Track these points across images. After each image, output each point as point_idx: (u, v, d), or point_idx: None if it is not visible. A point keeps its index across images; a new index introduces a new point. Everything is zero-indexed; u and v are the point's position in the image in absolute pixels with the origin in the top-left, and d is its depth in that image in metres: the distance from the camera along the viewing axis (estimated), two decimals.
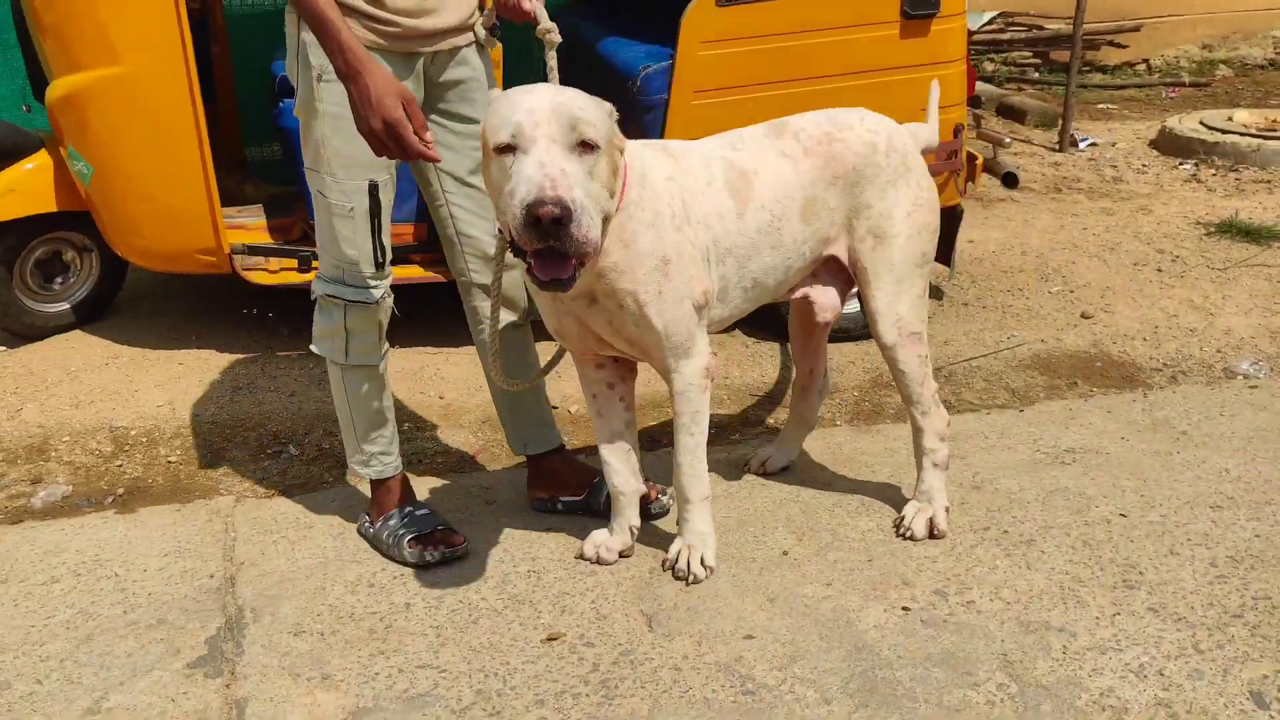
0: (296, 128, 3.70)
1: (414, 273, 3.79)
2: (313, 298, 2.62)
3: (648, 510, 2.85)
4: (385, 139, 2.25)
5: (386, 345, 2.67)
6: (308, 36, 2.37)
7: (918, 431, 2.82)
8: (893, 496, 2.97)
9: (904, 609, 2.49)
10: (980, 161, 4.13)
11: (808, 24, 3.66)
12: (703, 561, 2.60)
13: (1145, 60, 9.03)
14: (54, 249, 3.96)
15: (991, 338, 4.06)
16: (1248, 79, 8.75)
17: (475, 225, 2.67)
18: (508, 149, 2.08)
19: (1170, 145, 6.43)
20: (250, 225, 3.97)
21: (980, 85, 7.94)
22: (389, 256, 2.58)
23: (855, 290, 2.77)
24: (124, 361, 3.84)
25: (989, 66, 8.71)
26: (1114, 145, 6.62)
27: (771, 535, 2.80)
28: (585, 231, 2.04)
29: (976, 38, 8.74)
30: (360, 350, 2.61)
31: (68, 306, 4.02)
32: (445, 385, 3.70)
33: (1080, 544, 2.73)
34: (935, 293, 4.44)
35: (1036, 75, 8.59)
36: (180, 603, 2.56)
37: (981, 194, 5.63)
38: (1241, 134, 6.25)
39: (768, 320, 4.07)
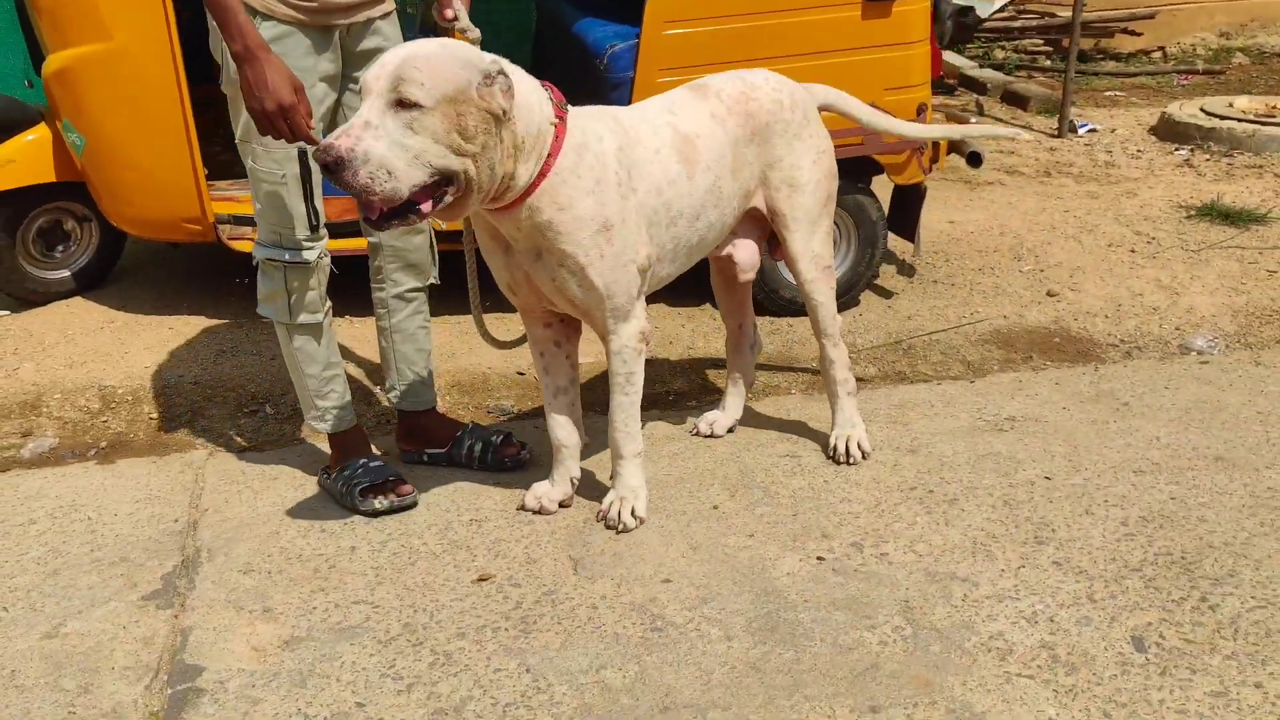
0: None
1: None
2: (254, 262, 2.77)
3: (502, 463, 3.04)
4: (276, 120, 2.41)
5: (328, 303, 2.82)
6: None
7: (829, 363, 3.08)
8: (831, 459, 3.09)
9: (819, 559, 2.61)
10: (945, 143, 4.22)
11: (771, 5, 3.77)
12: (633, 513, 2.74)
13: (1160, 48, 9.02)
14: (55, 219, 4.16)
15: (955, 313, 4.15)
16: (1264, 67, 8.72)
17: None
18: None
19: (1168, 131, 6.46)
20: (239, 197, 4.14)
21: (989, 73, 7.99)
22: (322, 219, 2.73)
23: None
24: (118, 326, 4.03)
25: (999, 54, 8.75)
26: (1113, 131, 6.66)
27: (705, 491, 2.93)
28: (363, 180, 2.20)
29: (987, 25, 8.78)
30: (304, 309, 2.76)
31: (69, 273, 4.23)
32: None
33: (1001, 504, 2.84)
34: (906, 270, 4.54)
35: (1048, 63, 8.60)
36: (144, 544, 2.73)
37: (970, 177, 5.70)
38: (1239, 120, 6.27)
39: None
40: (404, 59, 2.24)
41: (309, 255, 2.72)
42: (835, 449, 3.07)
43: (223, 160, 4.39)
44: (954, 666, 2.24)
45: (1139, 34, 8.88)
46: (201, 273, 4.49)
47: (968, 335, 3.98)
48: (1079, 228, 5.00)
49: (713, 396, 3.55)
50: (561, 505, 2.84)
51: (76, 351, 3.84)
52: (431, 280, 3.02)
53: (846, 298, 4.14)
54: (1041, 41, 8.85)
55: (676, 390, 3.62)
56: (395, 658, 2.30)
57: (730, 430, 3.25)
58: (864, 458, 3.05)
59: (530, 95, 2.42)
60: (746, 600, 2.46)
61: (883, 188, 4.22)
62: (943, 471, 3.00)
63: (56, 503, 2.92)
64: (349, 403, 2.93)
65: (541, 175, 2.44)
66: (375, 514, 2.81)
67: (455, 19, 2.72)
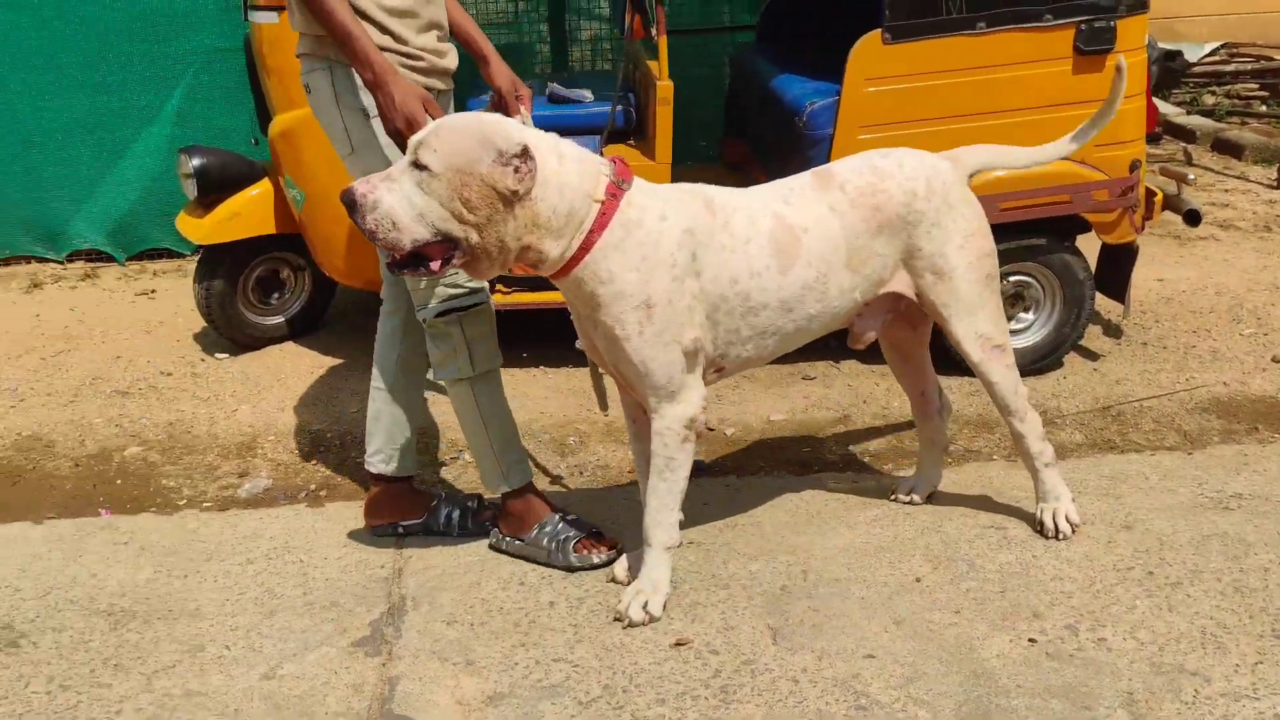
0: None
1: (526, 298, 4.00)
2: (425, 325, 2.80)
3: (483, 528, 3.02)
4: (408, 134, 2.51)
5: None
6: (341, 84, 2.66)
7: (1019, 438, 2.94)
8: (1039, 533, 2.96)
9: (1030, 640, 2.49)
10: (1160, 198, 4.03)
11: (977, 61, 3.68)
12: (645, 607, 2.62)
13: None
14: (272, 268, 4.41)
15: (1168, 379, 3.94)
16: None
17: None
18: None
19: None
20: None
21: (1198, 120, 7.61)
22: None
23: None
24: (328, 371, 4.22)
25: (1209, 100, 8.33)
26: None
27: (907, 562, 2.84)
28: (370, 224, 2.36)
29: (1196, 70, 8.38)
30: (484, 357, 2.82)
31: (283, 320, 4.46)
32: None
33: (1231, 590, 2.65)
34: (1114, 331, 4.34)
35: (1264, 109, 8.15)
36: (352, 589, 2.83)
37: (1179, 232, 5.43)
38: None
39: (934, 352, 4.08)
40: (436, 126, 2.39)
41: (480, 297, 2.79)
42: (1041, 523, 2.94)
43: None
44: None
45: None
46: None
47: (1183, 403, 3.76)
48: None
49: (909, 459, 3.46)
50: None
51: (289, 395, 4.04)
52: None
53: (1050, 359, 3.99)
54: (1257, 86, 8.38)
55: (872, 452, 3.54)
56: None
57: (930, 497, 3.15)
58: (1073, 531, 2.91)
59: (568, 176, 2.44)
60: (955, 682, 2.36)
61: (1089, 244, 4.05)
62: (1163, 551, 2.83)
63: (271, 544, 3.06)
64: (527, 457, 2.97)
65: (585, 249, 2.47)
66: (594, 568, 2.83)
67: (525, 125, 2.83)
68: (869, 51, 3.67)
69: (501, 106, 2.85)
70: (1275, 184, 6.25)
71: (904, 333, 3.03)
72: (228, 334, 4.39)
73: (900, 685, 2.36)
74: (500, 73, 2.87)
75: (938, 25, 3.64)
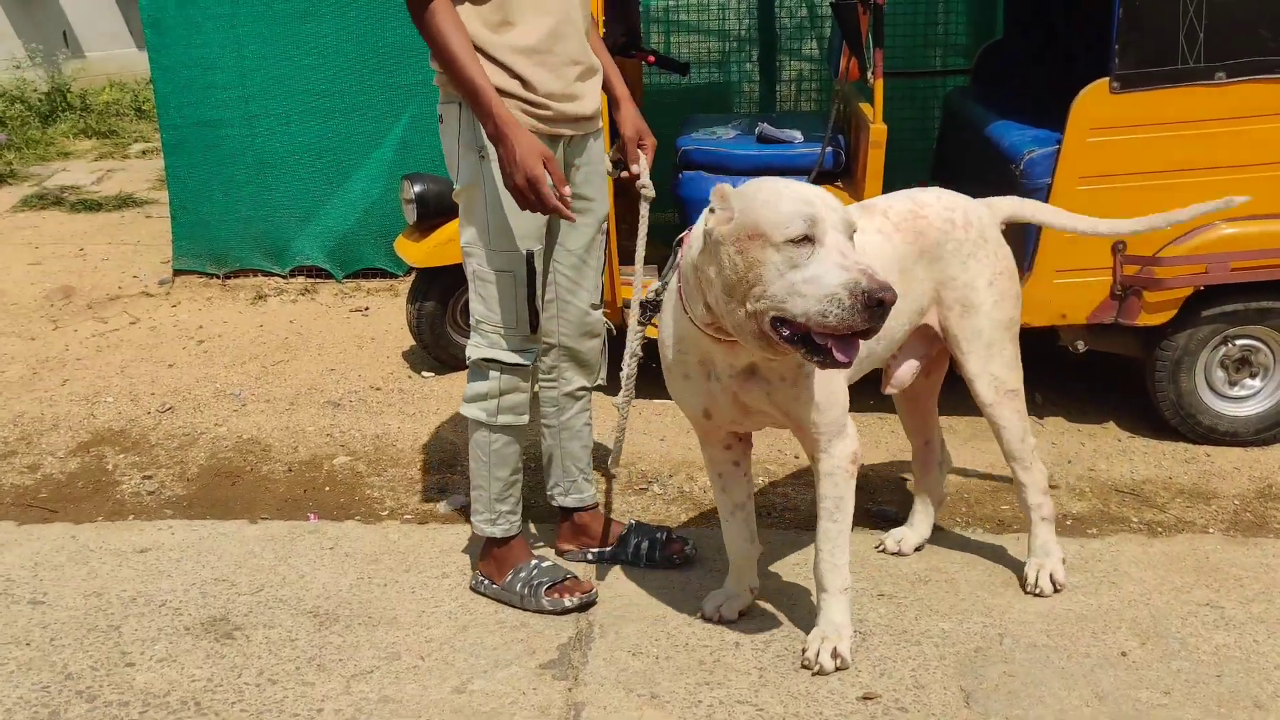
0: (692, 196, 4.09)
1: None
2: (469, 361, 2.83)
3: (670, 560, 3.07)
4: (528, 193, 2.52)
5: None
6: (465, 121, 2.66)
7: (1021, 487, 2.93)
8: (1261, 614, 2.77)
9: None
10: None
11: (1214, 113, 3.50)
12: (835, 653, 2.58)
13: None
14: None
15: None
16: None
17: (576, 294, 2.94)
18: (803, 240, 2.19)
19: None
20: (645, 284, 4.35)
21: None
22: (540, 323, 2.81)
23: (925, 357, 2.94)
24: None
25: None
26: None
27: (1112, 634, 2.70)
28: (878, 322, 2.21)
29: None
30: (510, 412, 2.83)
31: None
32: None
33: None
34: None
35: None
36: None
37: None
38: None
39: (1143, 413, 3.89)
40: (828, 194, 2.30)
41: (527, 359, 2.79)
42: (1026, 578, 2.93)
43: (625, 248, 4.66)
44: None
45: None
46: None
47: None
48: None
49: (1113, 523, 3.30)
50: (741, 614, 2.80)
51: None
52: (600, 381, 3.09)
53: (1277, 430, 3.73)
54: None
55: (1075, 515, 3.38)
56: None
57: (918, 549, 3.12)
58: (1055, 591, 2.89)
59: None
60: None
61: None
62: None
63: (466, 559, 3.15)
64: (521, 510, 2.97)
65: None
66: (565, 611, 2.82)
67: (638, 177, 2.90)
68: (1095, 100, 3.54)
69: (625, 153, 2.92)
70: None
71: (919, 379, 3.00)
72: (435, 353, 4.57)
73: None
74: (628, 119, 2.91)
75: (1173, 75, 3.48)
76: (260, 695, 2.55)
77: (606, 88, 2.90)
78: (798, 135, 4.12)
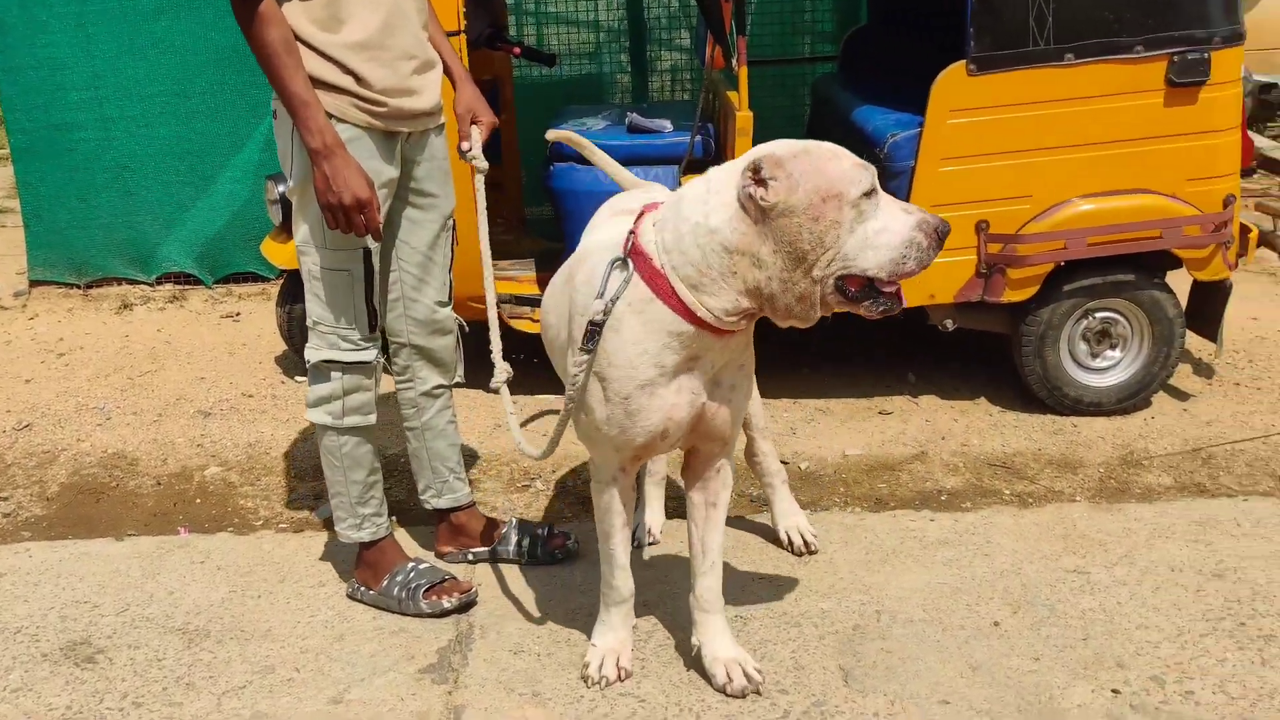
0: (565, 188, 4.06)
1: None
2: (308, 364, 2.74)
3: (552, 556, 3.03)
4: (353, 214, 2.48)
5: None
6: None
7: (764, 455, 3.04)
8: (1124, 577, 2.86)
9: (1114, 691, 2.40)
10: (1255, 234, 3.90)
11: (1065, 93, 3.60)
12: (747, 673, 2.45)
13: None
14: None
15: (1262, 421, 3.79)
16: None
17: (422, 291, 2.86)
18: (871, 192, 2.13)
19: None
20: (520, 277, 4.32)
21: None
22: (380, 320, 2.75)
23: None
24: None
25: None
26: None
27: (985, 605, 2.76)
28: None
29: None
30: (356, 413, 2.75)
31: None
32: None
33: None
34: (1204, 370, 4.20)
35: None
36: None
37: (1275, 269, 5.25)
38: None
39: (1012, 387, 4.00)
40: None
41: (369, 356, 2.73)
42: (791, 543, 3.04)
43: (503, 241, 4.61)
44: None
45: None
46: (479, 348, 4.68)
47: (1278, 447, 3.62)
48: None
49: (989, 498, 3.38)
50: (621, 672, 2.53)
51: None
52: (457, 379, 3.03)
53: (1137, 399, 3.87)
54: None
55: (949, 490, 3.46)
56: None
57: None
58: (808, 544, 3.03)
59: None
60: None
61: (1179, 280, 3.93)
62: (1255, 602, 2.72)
63: (343, 567, 3.07)
64: (386, 510, 2.91)
65: None
66: (445, 613, 2.78)
67: (469, 150, 2.81)
68: (953, 82, 3.61)
69: (459, 132, 2.83)
70: None
71: None
72: None
73: None
74: (461, 98, 2.84)
75: (1025, 56, 3.57)
76: None
77: (445, 71, 2.83)
78: (667, 125, 4.12)
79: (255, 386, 4.42)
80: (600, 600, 2.58)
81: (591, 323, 2.23)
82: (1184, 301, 3.90)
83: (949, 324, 3.89)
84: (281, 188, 4.26)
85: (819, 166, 2.10)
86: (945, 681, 2.46)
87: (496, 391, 2.79)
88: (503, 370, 2.79)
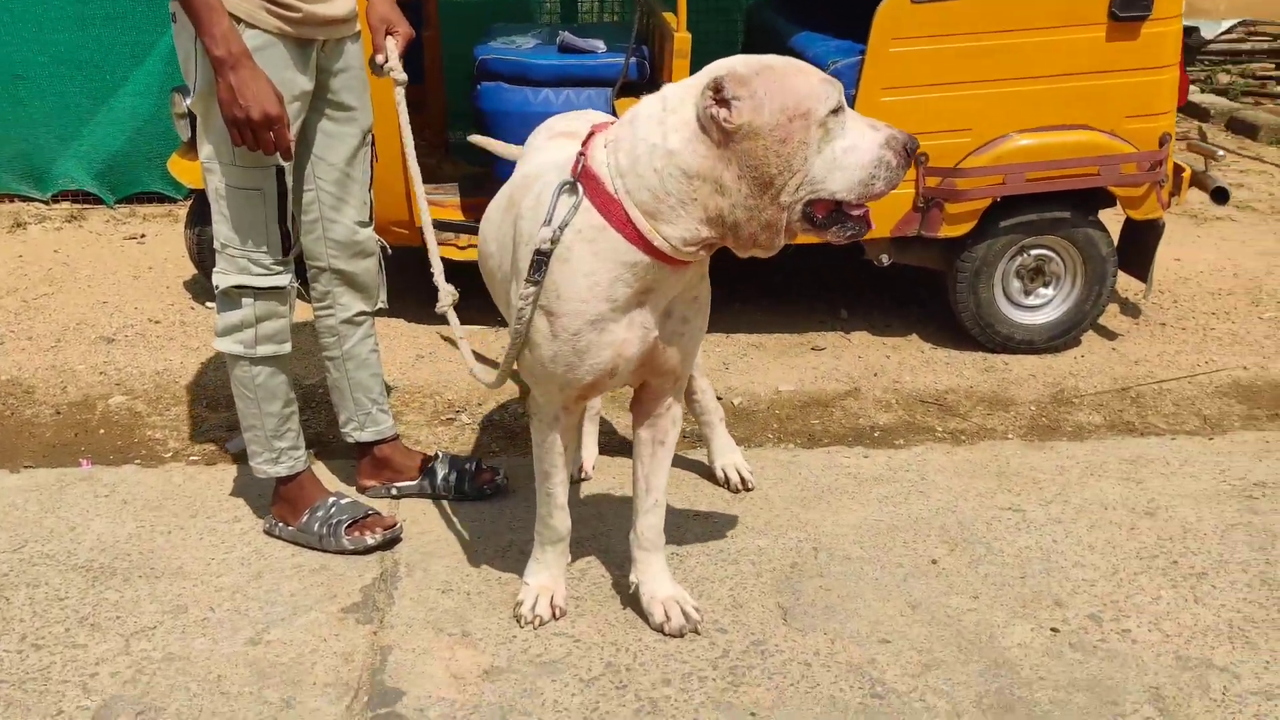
0: (493, 109, 3.88)
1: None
2: (216, 290, 2.57)
3: (481, 491, 2.93)
4: (261, 131, 2.30)
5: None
6: None
7: (701, 392, 2.96)
8: (1059, 514, 2.85)
9: (1053, 630, 2.39)
10: (1188, 175, 3.90)
11: (1007, 23, 3.53)
12: (686, 612, 2.40)
13: None
14: None
15: (1188, 360, 3.83)
16: None
17: (341, 211, 2.69)
18: (839, 109, 1.99)
19: None
20: (445, 203, 4.14)
21: (1212, 98, 7.48)
22: (295, 243, 2.59)
23: None
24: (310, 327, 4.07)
25: (1224, 78, 8.18)
26: None
27: (923, 543, 2.73)
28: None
29: (1213, 47, 8.23)
30: (270, 341, 2.59)
31: None
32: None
33: (1258, 583, 2.55)
34: (1131, 309, 4.22)
35: (1279, 88, 8.00)
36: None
37: (1196, 210, 5.31)
38: None
39: (945, 324, 3.97)
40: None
41: (283, 280, 2.56)
42: (728, 480, 2.99)
43: (426, 165, 4.41)
44: None
45: None
46: (406, 276, 4.51)
47: (1204, 386, 3.65)
48: None
49: (920, 434, 3.35)
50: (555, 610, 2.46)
51: None
52: (380, 304, 2.87)
53: (1069, 337, 3.87)
54: (1273, 66, 8.24)
55: (882, 426, 3.42)
56: (599, 700, 2.19)
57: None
58: (744, 480, 2.98)
59: None
60: (974, 671, 2.26)
61: (1112, 220, 3.93)
62: (1187, 540, 2.73)
63: (260, 501, 2.92)
64: (303, 444, 2.77)
65: None
66: (368, 550, 2.67)
67: (385, 61, 2.62)
68: (896, 10, 3.51)
69: (374, 44, 2.64)
70: None
71: None
72: None
73: (917, 674, 2.25)
74: (375, 7, 2.65)
75: None
76: (22, 663, 2.29)
77: None
78: (600, 45, 3.96)
79: (162, 312, 4.19)
80: (535, 538, 2.48)
81: (538, 252, 2.08)
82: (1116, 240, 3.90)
83: (884, 259, 3.83)
84: (188, 101, 4.01)
85: (785, 83, 1.95)
86: (885, 620, 2.42)
87: (444, 317, 2.63)
88: (447, 293, 2.64)
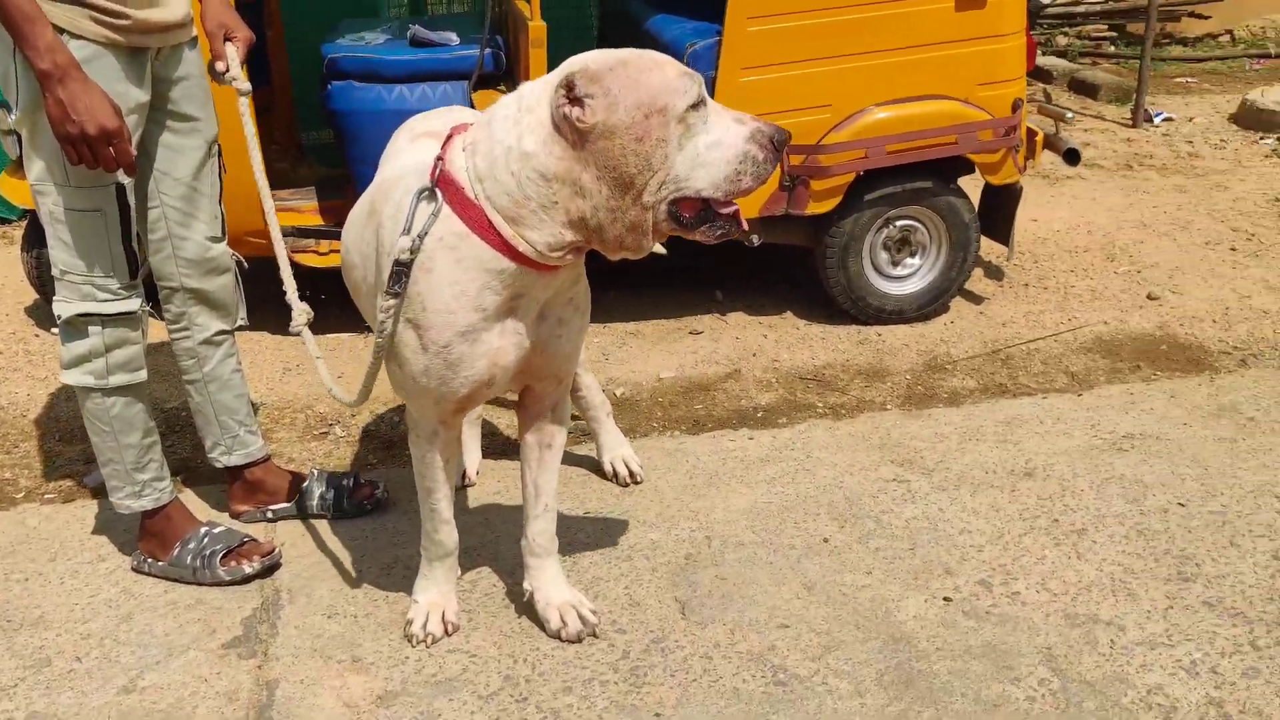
0: (345, 109, 3.74)
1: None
2: (59, 320, 2.40)
3: (361, 508, 2.83)
4: (99, 146, 2.15)
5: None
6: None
7: (587, 388, 2.91)
8: (941, 483, 2.89)
9: (945, 599, 2.42)
10: (1040, 138, 4.00)
11: None
12: (583, 616, 2.36)
13: (1229, 31, 8.72)
14: None
15: (1052, 319, 3.93)
16: None
17: (190, 227, 2.54)
18: (700, 103, 1.89)
19: (1251, 119, 6.19)
20: (302, 208, 3.99)
21: (1052, 60, 7.73)
22: (142, 263, 2.46)
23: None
24: None
25: (1062, 40, 8.47)
26: (1190, 120, 6.40)
27: (813, 522, 2.74)
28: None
29: (1050, 10, 8.50)
30: (123, 370, 2.44)
31: None
32: None
33: (1134, 534, 2.63)
34: (995, 273, 4.32)
35: (1112, 49, 8.32)
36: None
37: (1048, 172, 5.47)
38: None
39: (817, 300, 4.00)
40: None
41: (132, 305, 2.40)
42: (616, 474, 2.94)
43: (279, 169, 4.25)
44: None
45: (1207, 17, 8.58)
46: (264, 285, 4.33)
47: (1068, 343, 3.76)
48: (1171, 224, 4.76)
49: (802, 412, 3.36)
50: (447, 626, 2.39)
51: None
52: (240, 322, 2.74)
53: (938, 304, 3.93)
54: (1106, 27, 8.56)
55: (764, 406, 3.42)
56: (499, 715, 2.12)
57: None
58: (635, 480, 2.93)
59: None
60: (874, 648, 2.27)
61: (971, 186, 4.00)
62: (1065, 498, 2.80)
63: (125, 537, 2.76)
64: (168, 473, 2.64)
65: None
66: (246, 579, 2.55)
67: (226, 70, 2.48)
68: None
69: (212, 50, 2.49)
70: (1130, 123, 6.37)
71: None
72: None
73: (818, 656, 2.25)
74: (209, 12, 2.50)
75: None
76: None
77: None
78: (453, 37, 3.85)
79: (3, 342, 3.94)
80: (421, 554, 2.40)
81: (397, 262, 1.98)
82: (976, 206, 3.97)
83: (754, 239, 3.79)
84: (12, 118, 3.76)
85: (640, 79, 1.86)
86: (782, 604, 2.42)
87: (298, 335, 2.51)
88: (302, 311, 2.51)
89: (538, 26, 3.50)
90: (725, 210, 1.96)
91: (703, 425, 3.31)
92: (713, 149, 1.89)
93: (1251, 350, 3.67)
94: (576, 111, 1.86)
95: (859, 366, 3.65)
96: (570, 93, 1.86)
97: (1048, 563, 2.53)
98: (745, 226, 2.00)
